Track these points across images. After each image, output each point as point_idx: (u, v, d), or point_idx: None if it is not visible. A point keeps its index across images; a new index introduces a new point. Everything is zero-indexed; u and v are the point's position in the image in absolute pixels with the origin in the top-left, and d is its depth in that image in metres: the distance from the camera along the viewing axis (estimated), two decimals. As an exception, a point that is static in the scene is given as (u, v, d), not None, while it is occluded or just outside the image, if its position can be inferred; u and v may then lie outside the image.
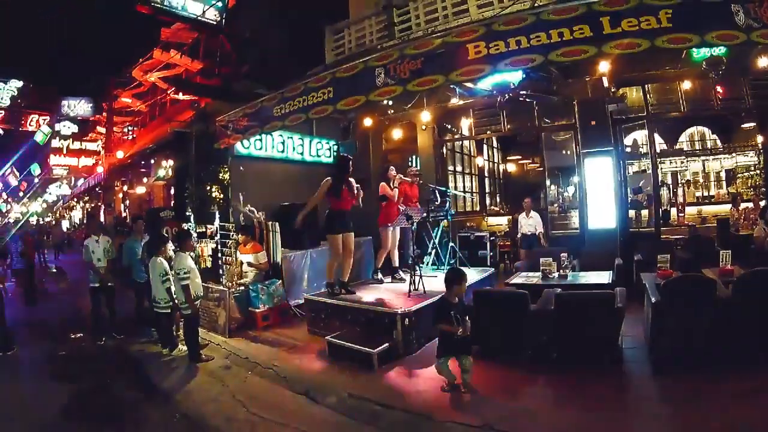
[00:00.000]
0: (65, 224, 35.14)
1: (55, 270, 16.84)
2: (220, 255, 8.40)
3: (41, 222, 34.46)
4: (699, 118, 13.54)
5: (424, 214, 7.96)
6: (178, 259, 6.50)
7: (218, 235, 8.42)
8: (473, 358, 4.84)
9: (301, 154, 10.80)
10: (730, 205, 10.33)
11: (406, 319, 5.93)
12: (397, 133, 11.88)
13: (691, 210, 12.50)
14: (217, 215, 8.53)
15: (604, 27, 4.71)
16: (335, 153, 11.33)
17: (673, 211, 12.45)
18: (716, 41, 4.61)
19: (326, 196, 7.11)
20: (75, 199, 30.71)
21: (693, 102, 9.72)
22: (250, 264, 8.32)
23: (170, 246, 7.23)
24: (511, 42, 5.08)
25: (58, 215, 37.49)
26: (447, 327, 4.72)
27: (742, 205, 9.94)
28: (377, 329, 6.13)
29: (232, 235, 8.39)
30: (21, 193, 37.91)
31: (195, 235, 8.59)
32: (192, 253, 7.14)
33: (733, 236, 9.02)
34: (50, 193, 32.77)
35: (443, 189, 8.98)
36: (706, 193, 14.26)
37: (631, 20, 4.60)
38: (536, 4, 7.86)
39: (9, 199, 39.33)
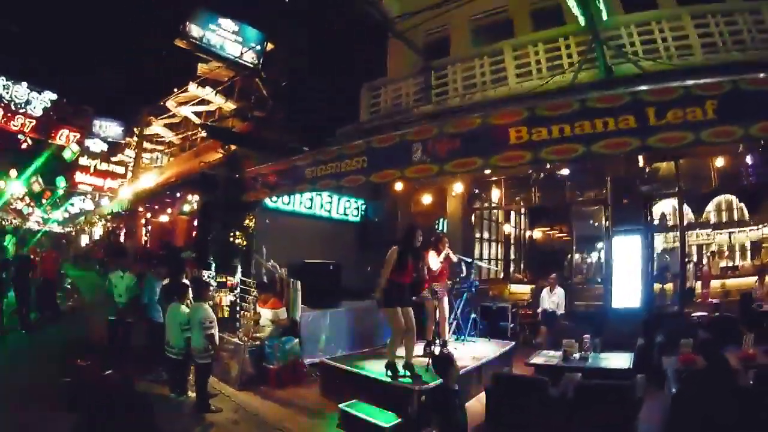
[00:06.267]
0: (84, 239, 35.39)
1: (68, 286, 16.77)
2: (238, 309, 8.37)
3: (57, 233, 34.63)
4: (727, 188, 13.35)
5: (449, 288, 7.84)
6: (202, 310, 6.49)
7: (239, 288, 8.39)
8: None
9: (329, 211, 10.71)
10: (755, 278, 10.06)
11: (423, 397, 5.74)
12: (426, 198, 11.65)
13: (715, 283, 12.25)
14: (240, 270, 8.54)
15: (649, 118, 4.63)
16: (363, 212, 11.25)
17: (697, 284, 12.23)
18: (759, 133, 4.48)
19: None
20: (97, 216, 30.88)
21: (723, 175, 9.60)
22: (269, 320, 8.24)
23: (190, 294, 7.21)
24: (554, 129, 5.04)
25: (78, 228, 37.70)
26: None
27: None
28: (392, 403, 5.94)
29: (253, 292, 8.34)
30: (44, 200, 38.23)
31: (214, 284, 8.58)
32: (210, 303, 7.12)
33: (757, 312, 8.73)
34: (73, 204, 33.09)
35: (469, 261, 8.83)
36: (731, 264, 13.98)
37: (676, 111, 4.51)
38: (577, 80, 7.84)
39: (31, 203, 39.69)
